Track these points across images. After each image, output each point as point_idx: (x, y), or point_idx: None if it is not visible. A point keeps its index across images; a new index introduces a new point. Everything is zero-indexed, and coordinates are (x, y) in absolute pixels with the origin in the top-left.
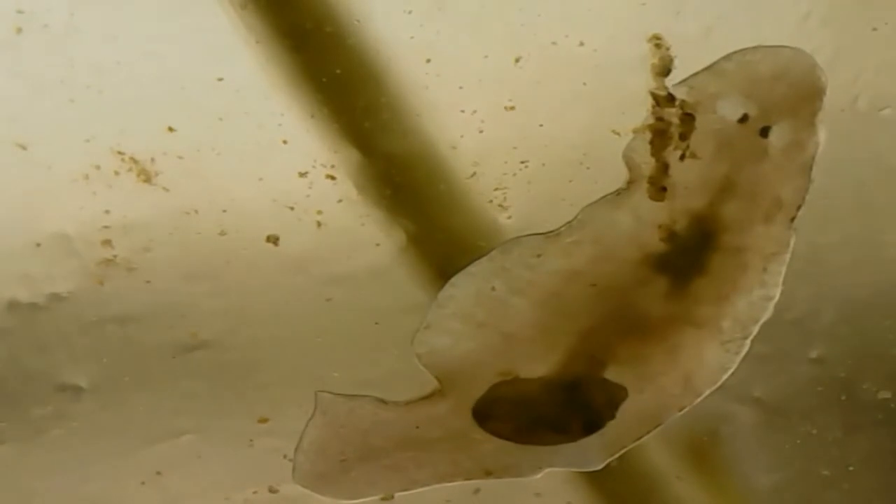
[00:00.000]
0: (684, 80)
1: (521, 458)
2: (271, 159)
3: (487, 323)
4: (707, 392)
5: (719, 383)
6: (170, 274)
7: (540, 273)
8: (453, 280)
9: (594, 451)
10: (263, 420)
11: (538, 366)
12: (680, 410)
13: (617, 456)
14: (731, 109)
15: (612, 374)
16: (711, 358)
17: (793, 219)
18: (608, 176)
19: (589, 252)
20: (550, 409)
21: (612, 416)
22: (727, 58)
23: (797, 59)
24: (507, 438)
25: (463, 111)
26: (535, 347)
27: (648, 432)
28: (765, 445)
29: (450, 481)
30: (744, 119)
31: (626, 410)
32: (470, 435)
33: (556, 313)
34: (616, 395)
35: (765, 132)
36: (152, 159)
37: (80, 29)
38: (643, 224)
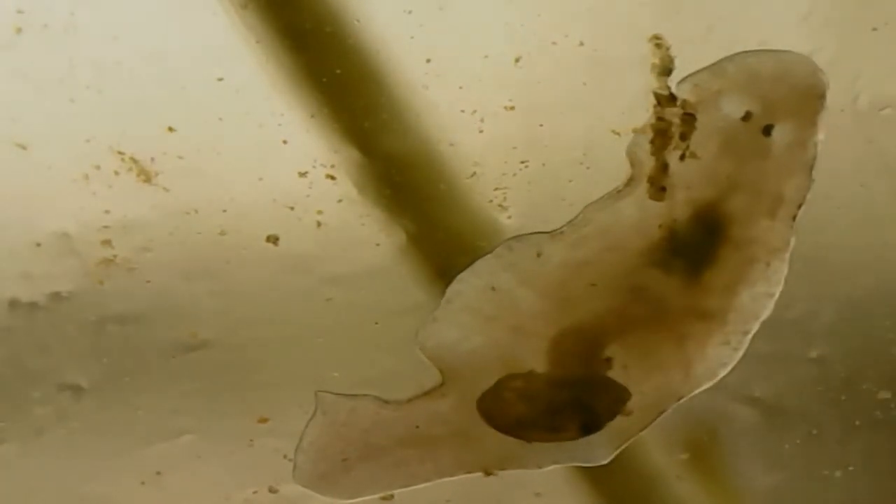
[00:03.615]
0: (686, 79)
1: (525, 452)
2: (271, 159)
3: (496, 317)
4: (706, 385)
5: (717, 379)
6: (170, 274)
7: (548, 266)
8: (460, 277)
9: (600, 445)
10: (263, 420)
11: (544, 361)
12: (678, 400)
13: (623, 447)
14: (734, 107)
15: (618, 363)
16: (712, 350)
17: (794, 217)
18: (608, 176)
19: (596, 244)
20: (554, 408)
21: (613, 417)
22: (729, 59)
23: (798, 63)
24: (511, 434)
25: (463, 111)
26: (542, 341)
27: (653, 420)
28: (765, 445)
29: (451, 476)
30: (747, 117)
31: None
32: (472, 431)
33: (565, 305)
34: (619, 398)
35: (767, 130)
36: (152, 159)
37: (80, 29)
38: (647, 219)
